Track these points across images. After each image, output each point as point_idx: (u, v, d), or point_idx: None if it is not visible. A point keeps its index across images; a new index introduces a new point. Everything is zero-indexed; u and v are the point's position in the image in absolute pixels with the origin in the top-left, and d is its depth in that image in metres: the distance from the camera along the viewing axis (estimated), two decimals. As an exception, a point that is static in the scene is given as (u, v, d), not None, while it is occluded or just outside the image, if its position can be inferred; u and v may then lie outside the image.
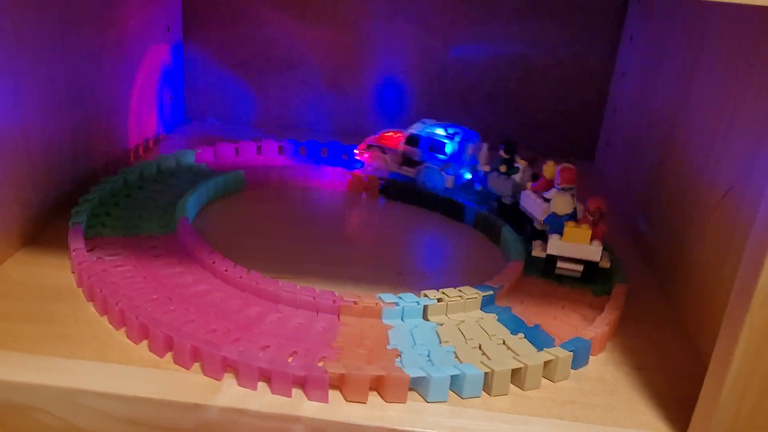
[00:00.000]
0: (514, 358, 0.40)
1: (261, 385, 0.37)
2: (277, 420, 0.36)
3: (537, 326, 0.44)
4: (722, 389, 0.33)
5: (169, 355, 0.39)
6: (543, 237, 0.50)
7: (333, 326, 0.43)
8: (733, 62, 0.44)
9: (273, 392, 0.37)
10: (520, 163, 0.57)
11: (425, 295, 0.45)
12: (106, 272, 0.45)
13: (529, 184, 0.54)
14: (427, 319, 0.45)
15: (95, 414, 0.36)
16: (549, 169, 0.52)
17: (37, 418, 0.36)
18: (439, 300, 0.45)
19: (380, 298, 0.45)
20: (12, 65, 0.46)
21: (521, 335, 0.43)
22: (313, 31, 0.76)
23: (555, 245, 0.48)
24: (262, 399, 0.36)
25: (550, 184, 0.52)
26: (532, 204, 0.52)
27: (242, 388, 0.37)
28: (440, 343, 0.42)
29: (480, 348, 0.41)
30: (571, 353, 0.40)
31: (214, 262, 0.47)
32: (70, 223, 0.50)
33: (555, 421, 0.36)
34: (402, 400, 0.37)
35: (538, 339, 0.42)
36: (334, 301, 0.44)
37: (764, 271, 0.30)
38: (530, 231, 0.53)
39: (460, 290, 0.46)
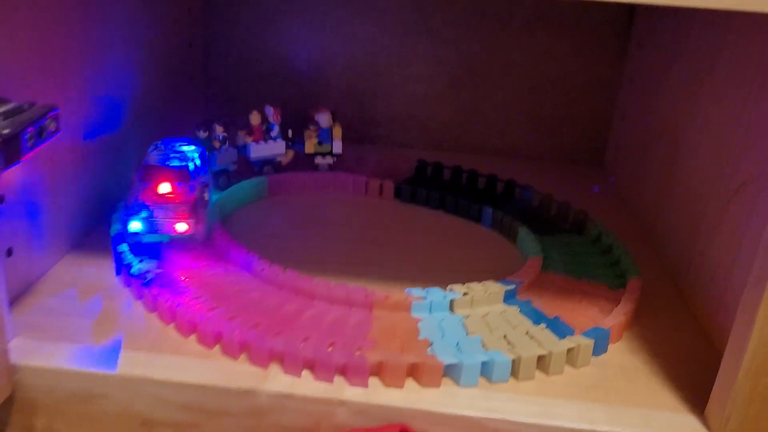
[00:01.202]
0: (538, 345, 0.42)
1: (304, 373, 0.40)
2: (323, 404, 0.38)
3: (557, 318, 0.46)
4: (738, 372, 0.35)
5: (216, 348, 0.42)
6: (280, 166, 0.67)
7: (366, 320, 0.46)
8: (750, 64, 0.47)
9: (316, 379, 0.40)
10: (221, 131, 0.63)
11: (451, 290, 0.48)
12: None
13: (248, 138, 0.64)
14: (454, 312, 0.47)
15: (153, 400, 0.39)
16: (256, 117, 0.64)
17: (100, 404, 0.39)
18: (464, 294, 0.48)
19: (409, 292, 0.47)
20: (61, 83, 0.49)
21: (543, 326, 0.45)
22: (330, 44, 0.79)
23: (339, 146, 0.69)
24: (307, 385, 0.39)
25: (261, 129, 0.65)
26: (269, 148, 0.65)
27: (288, 376, 0.40)
28: (467, 334, 0.45)
29: (505, 338, 0.44)
30: (593, 341, 0.43)
31: (251, 263, 0.50)
32: (111, 229, 0.53)
33: (580, 403, 0.39)
34: (436, 385, 0.40)
35: (559, 329, 0.45)
36: (366, 297, 0.47)
37: (773, 259, 0.33)
38: (276, 166, 0.67)
39: (483, 285, 0.49)
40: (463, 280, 0.49)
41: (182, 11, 0.73)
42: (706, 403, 0.39)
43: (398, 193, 0.68)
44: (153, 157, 0.52)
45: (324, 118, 0.67)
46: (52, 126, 0.39)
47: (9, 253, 0.44)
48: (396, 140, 0.83)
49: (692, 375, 0.42)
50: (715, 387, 0.38)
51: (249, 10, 0.79)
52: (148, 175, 0.50)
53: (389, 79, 0.80)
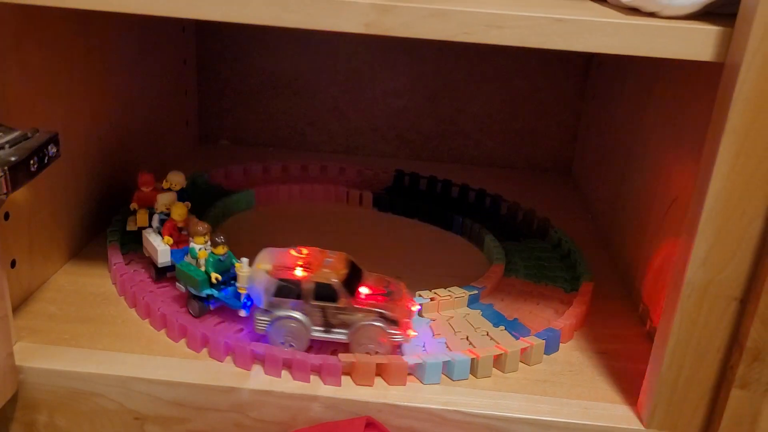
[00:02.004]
0: (495, 346, 0.47)
1: (284, 373, 0.44)
2: (299, 399, 0.43)
3: (515, 320, 0.51)
4: (662, 365, 0.40)
5: (204, 351, 0.46)
6: None
7: (341, 323, 0.50)
8: (676, 95, 0.52)
9: (294, 379, 0.44)
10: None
11: (420, 295, 0.52)
12: (144, 282, 0.52)
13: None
14: (422, 316, 0.52)
15: (145, 397, 0.43)
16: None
17: (96, 402, 0.44)
18: (431, 299, 0.52)
19: (381, 298, 0.52)
20: (64, 106, 0.53)
21: (502, 327, 0.50)
22: (315, 60, 0.84)
23: None
24: (285, 384, 0.44)
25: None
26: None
27: (268, 376, 0.44)
28: (433, 335, 0.49)
29: (467, 339, 0.49)
30: (544, 341, 0.47)
31: (236, 271, 0.54)
32: (107, 241, 0.57)
33: (528, 396, 0.44)
34: (402, 383, 0.44)
35: (517, 330, 0.50)
36: (341, 302, 0.51)
37: (689, 270, 0.38)
38: None
39: (449, 290, 0.53)
40: (432, 285, 0.54)
41: (176, 31, 0.77)
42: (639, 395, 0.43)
43: (377, 203, 0.72)
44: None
45: (179, 179, 0.56)
46: (53, 150, 0.43)
47: (12, 264, 0.48)
48: (377, 150, 0.87)
49: (633, 371, 0.47)
50: (645, 379, 0.43)
51: (239, 29, 0.83)
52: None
53: (371, 92, 0.85)
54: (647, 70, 0.60)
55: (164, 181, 0.56)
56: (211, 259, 0.48)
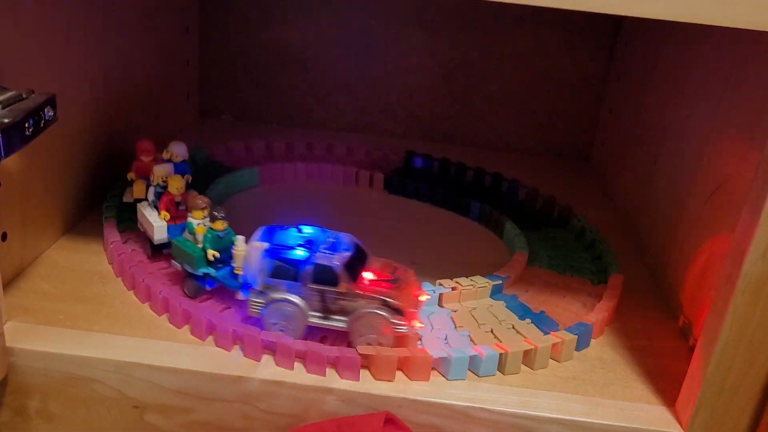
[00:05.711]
0: (525, 341, 0.44)
1: (296, 364, 0.41)
2: (312, 391, 0.40)
3: (542, 312, 0.48)
4: (709, 365, 0.37)
5: (209, 339, 0.43)
6: None
7: (357, 311, 0.47)
8: (723, 74, 0.48)
9: (308, 372, 0.41)
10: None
11: (440, 284, 0.49)
12: (143, 263, 0.49)
13: None
14: (442, 306, 0.49)
15: (146, 385, 0.40)
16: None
17: (93, 388, 0.40)
18: (453, 288, 0.49)
19: (399, 285, 0.48)
20: (59, 69, 0.49)
21: (528, 320, 0.47)
22: (325, 32, 0.80)
23: None
24: (298, 375, 0.40)
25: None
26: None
27: (280, 368, 0.41)
28: (455, 327, 0.46)
29: (492, 332, 0.46)
30: (576, 336, 0.44)
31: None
32: (104, 218, 0.53)
33: (559, 394, 0.41)
34: (425, 379, 0.41)
35: (544, 324, 0.46)
36: (357, 289, 0.48)
37: (746, 262, 0.35)
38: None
39: (471, 279, 0.50)
40: (449, 274, 0.50)
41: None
42: (678, 396, 0.41)
43: (388, 185, 0.68)
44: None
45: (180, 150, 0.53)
46: (50, 114, 0.39)
47: (3, 237, 0.45)
48: (387, 130, 0.83)
49: (666, 369, 0.44)
50: (686, 379, 0.40)
51: (244, -3, 0.79)
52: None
53: (382, 69, 0.81)
54: (686, 47, 0.56)
55: (164, 151, 0.53)
56: (209, 235, 0.45)
